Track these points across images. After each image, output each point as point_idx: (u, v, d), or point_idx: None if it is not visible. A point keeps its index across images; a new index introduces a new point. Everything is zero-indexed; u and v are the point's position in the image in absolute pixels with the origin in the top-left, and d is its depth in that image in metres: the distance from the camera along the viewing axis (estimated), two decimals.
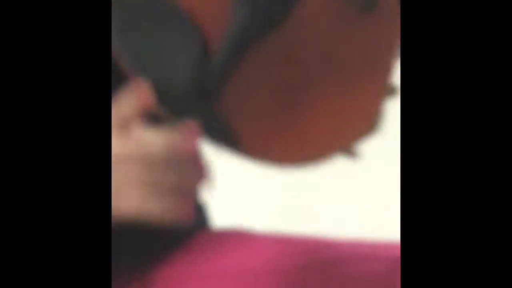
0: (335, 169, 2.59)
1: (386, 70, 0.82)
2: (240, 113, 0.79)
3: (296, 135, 0.80)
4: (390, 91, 0.82)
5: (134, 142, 0.79)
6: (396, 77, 0.81)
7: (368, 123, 0.80)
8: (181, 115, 0.82)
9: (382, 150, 2.70)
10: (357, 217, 2.27)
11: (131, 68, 0.84)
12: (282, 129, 0.79)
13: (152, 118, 0.82)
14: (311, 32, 0.81)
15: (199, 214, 0.96)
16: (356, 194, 2.47)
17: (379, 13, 0.83)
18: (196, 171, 0.79)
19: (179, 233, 0.93)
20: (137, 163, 0.80)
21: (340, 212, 2.35)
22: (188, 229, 0.93)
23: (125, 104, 0.80)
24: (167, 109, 0.82)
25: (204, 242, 0.93)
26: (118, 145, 0.79)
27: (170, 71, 0.86)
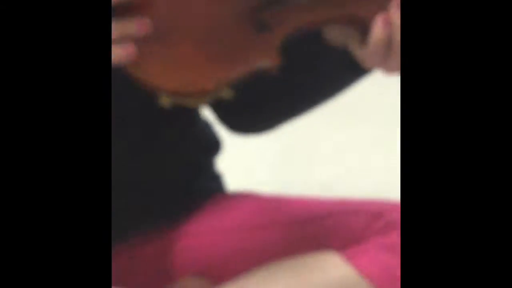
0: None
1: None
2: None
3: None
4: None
5: None
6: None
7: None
8: None
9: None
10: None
11: None
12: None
13: None
14: None
15: (216, 180, 1.05)
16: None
17: None
18: None
19: (201, 194, 1.01)
20: None
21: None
22: (207, 193, 1.02)
23: None
24: None
25: (220, 202, 1.01)
26: None
27: None
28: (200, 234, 0.99)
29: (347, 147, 2.60)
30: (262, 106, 0.96)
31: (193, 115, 1.02)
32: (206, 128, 1.03)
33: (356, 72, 0.87)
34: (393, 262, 0.84)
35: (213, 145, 1.04)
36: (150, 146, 0.97)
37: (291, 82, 0.91)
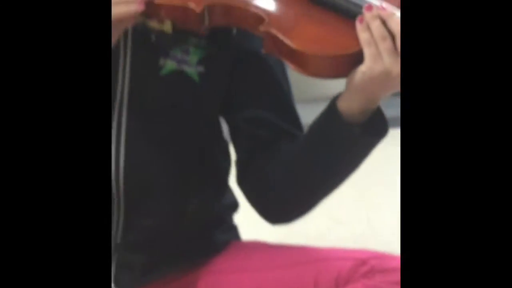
0: None
1: None
2: None
3: None
4: None
5: None
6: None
7: None
8: None
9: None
10: None
11: None
12: None
13: None
14: None
15: (233, 231, 1.15)
16: None
17: None
18: None
19: (220, 242, 1.10)
20: None
21: None
22: (226, 241, 1.11)
23: None
24: None
25: (235, 249, 1.11)
26: None
27: None
28: (217, 273, 1.07)
29: (335, 201, 2.78)
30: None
31: (224, 183, 1.13)
32: (230, 191, 1.14)
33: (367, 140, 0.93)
34: None
35: (234, 205, 1.15)
36: (186, 206, 1.05)
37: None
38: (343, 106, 0.94)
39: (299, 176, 1.01)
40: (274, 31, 0.88)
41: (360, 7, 0.89)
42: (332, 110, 0.94)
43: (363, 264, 0.97)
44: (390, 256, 0.99)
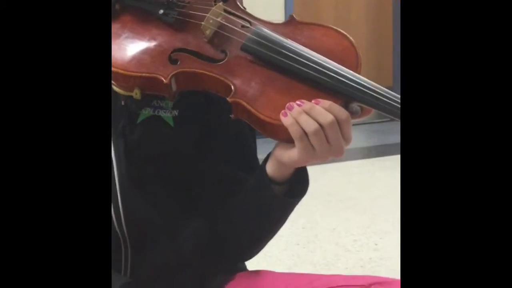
0: None
1: None
2: None
3: None
4: None
5: None
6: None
7: None
8: None
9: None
10: None
11: None
12: None
13: None
14: None
15: (241, 264, 1.14)
16: None
17: None
18: None
19: (228, 273, 1.10)
20: None
21: None
22: (233, 272, 1.10)
23: None
24: None
25: (243, 279, 1.10)
26: None
27: None
28: None
29: (343, 229, 2.74)
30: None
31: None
32: None
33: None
34: None
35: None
36: (183, 239, 1.05)
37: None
38: (271, 172, 0.97)
39: (235, 227, 1.06)
40: (240, 101, 0.89)
41: (325, 74, 0.90)
42: (261, 174, 0.98)
43: None
44: (392, 280, 0.98)
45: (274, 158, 0.96)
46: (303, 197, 1.01)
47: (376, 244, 2.58)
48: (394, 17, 5.08)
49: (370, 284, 0.98)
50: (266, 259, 2.23)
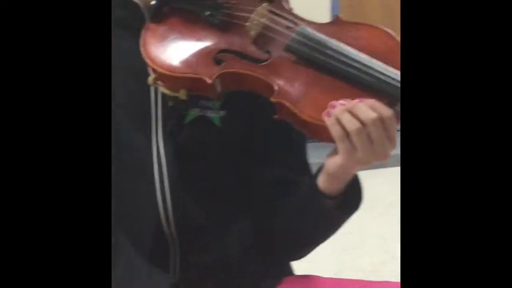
0: None
1: None
2: None
3: None
4: None
5: None
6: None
7: None
8: None
9: None
10: None
11: None
12: None
13: None
14: None
15: (286, 266, 1.14)
16: None
17: None
18: None
19: (275, 278, 1.09)
20: None
21: None
22: (280, 277, 1.09)
23: None
24: None
25: (290, 284, 1.09)
26: None
27: None
28: None
29: (390, 236, 2.74)
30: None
31: None
32: None
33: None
34: None
35: None
36: (230, 240, 1.06)
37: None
38: (322, 186, 0.96)
39: (283, 234, 1.05)
40: (284, 101, 0.89)
41: (369, 74, 0.89)
42: (312, 186, 0.97)
43: None
44: None
45: (324, 169, 0.95)
46: (355, 211, 0.99)
47: None
48: None
49: None
50: (312, 264, 2.21)
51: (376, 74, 0.89)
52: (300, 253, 1.08)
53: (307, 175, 1.06)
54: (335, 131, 0.87)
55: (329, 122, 0.87)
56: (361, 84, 0.89)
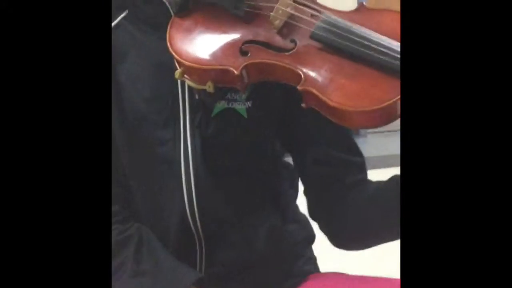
0: None
1: None
2: None
3: None
4: None
5: None
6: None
7: None
8: None
9: None
10: None
11: None
12: None
13: None
14: None
15: (312, 263, 1.13)
16: None
17: None
18: None
19: (299, 275, 1.09)
20: None
21: None
22: (305, 274, 1.09)
23: None
24: None
25: (314, 281, 1.09)
26: None
27: None
28: None
29: None
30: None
31: (291, 210, 1.12)
32: (306, 223, 1.13)
33: None
34: None
35: (310, 237, 1.14)
36: (256, 236, 1.06)
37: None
38: None
39: (369, 224, 1.03)
40: (311, 89, 0.89)
41: (391, 56, 0.88)
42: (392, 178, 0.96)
43: None
44: None
45: None
46: None
47: None
48: None
49: None
50: (340, 262, 2.19)
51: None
52: (374, 242, 1.07)
53: (358, 156, 1.06)
54: None
55: None
56: (388, 68, 0.89)
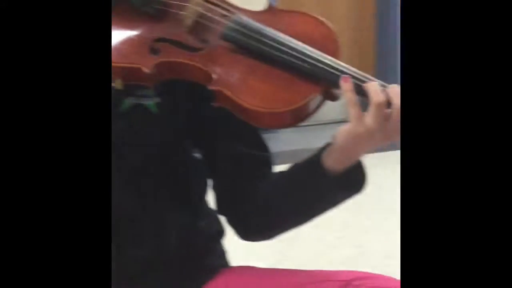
0: None
1: None
2: None
3: None
4: None
5: None
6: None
7: None
8: None
9: None
10: None
11: None
12: None
13: None
14: None
15: (222, 257, 1.14)
16: None
17: None
18: None
19: (210, 270, 1.09)
20: None
21: None
22: (216, 269, 1.10)
23: None
24: None
25: (225, 276, 1.10)
26: None
27: None
28: None
29: (326, 226, 2.78)
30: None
31: (202, 206, 1.11)
32: (215, 218, 1.12)
33: (348, 191, 0.97)
34: None
35: (220, 231, 1.14)
36: (168, 234, 1.06)
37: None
38: (328, 162, 0.96)
39: (275, 211, 1.03)
40: (222, 89, 0.89)
41: (300, 59, 0.90)
42: (316, 164, 0.96)
43: (347, 286, 0.97)
44: (372, 275, 0.98)
45: (332, 142, 0.95)
46: (357, 193, 0.99)
47: (358, 241, 2.58)
48: (377, 13, 5.08)
49: (352, 279, 0.98)
50: (248, 256, 2.22)
51: (312, 61, 0.90)
52: (281, 230, 1.07)
53: (266, 151, 1.07)
54: (350, 96, 0.89)
55: (346, 87, 0.89)
56: (298, 70, 0.91)
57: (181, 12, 0.94)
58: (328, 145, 0.96)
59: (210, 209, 1.14)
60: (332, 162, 0.95)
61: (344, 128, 0.92)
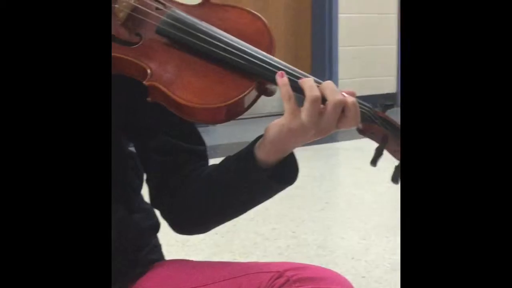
0: None
1: None
2: None
3: None
4: None
5: None
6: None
7: None
8: None
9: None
10: None
11: None
12: None
13: None
14: None
15: (157, 251, 1.13)
16: None
17: None
18: None
19: (144, 264, 1.09)
20: None
21: None
22: (151, 261, 1.09)
23: None
24: None
25: (160, 268, 1.10)
26: None
27: None
28: None
29: (261, 218, 2.79)
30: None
31: (137, 200, 1.11)
32: (151, 212, 1.12)
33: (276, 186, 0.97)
34: None
35: (155, 225, 1.13)
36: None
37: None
38: (260, 154, 0.96)
39: (209, 204, 1.04)
40: (157, 84, 0.89)
41: (239, 56, 0.91)
42: (248, 156, 0.97)
43: (280, 276, 0.98)
44: (305, 265, 0.99)
45: (265, 134, 0.95)
46: (289, 185, 1.00)
47: (293, 232, 2.61)
48: (312, 9, 5.13)
49: (285, 270, 0.98)
50: (184, 249, 2.23)
51: (245, 56, 0.91)
52: (215, 223, 1.08)
53: (200, 144, 1.07)
54: (285, 91, 0.90)
55: (281, 81, 0.90)
56: (232, 66, 0.91)
57: (115, 6, 0.92)
58: (260, 137, 0.97)
59: (145, 202, 1.14)
60: (264, 155, 0.95)
61: (277, 121, 0.93)
